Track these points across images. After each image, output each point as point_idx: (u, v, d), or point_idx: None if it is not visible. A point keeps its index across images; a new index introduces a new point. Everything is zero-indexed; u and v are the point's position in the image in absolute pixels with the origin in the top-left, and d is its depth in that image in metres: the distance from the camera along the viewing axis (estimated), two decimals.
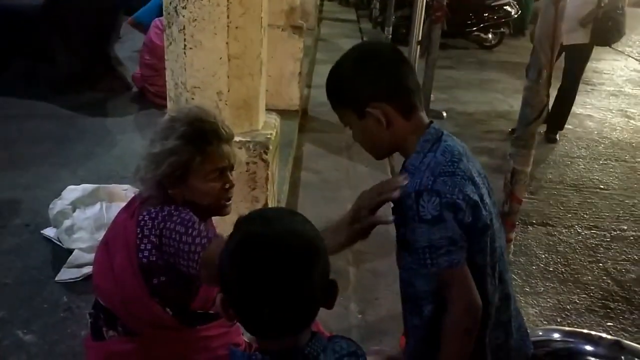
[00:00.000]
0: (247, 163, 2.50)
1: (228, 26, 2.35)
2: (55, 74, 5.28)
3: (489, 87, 7.56)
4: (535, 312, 2.92)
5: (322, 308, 1.05)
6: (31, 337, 2.30)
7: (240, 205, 2.47)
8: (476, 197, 1.22)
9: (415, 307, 1.32)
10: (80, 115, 4.79)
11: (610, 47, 5.68)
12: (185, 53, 2.38)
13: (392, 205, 1.30)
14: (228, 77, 2.42)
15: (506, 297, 1.38)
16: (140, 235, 1.67)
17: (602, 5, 4.84)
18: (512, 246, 2.74)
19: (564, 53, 4.91)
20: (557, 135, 5.49)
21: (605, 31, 4.98)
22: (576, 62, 5.15)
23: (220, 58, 2.38)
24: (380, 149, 1.33)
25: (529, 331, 1.55)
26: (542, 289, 3.11)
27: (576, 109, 5.92)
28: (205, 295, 1.81)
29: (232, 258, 1.00)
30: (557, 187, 4.48)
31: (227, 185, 1.71)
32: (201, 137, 1.66)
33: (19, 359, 2.18)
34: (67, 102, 4.96)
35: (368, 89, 1.26)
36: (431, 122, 1.31)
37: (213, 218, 1.89)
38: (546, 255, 3.45)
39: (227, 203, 1.75)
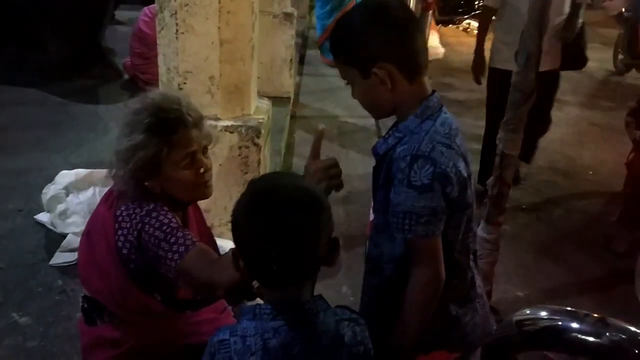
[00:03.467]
0: (240, 147, 2.52)
1: (220, 11, 2.37)
2: (46, 61, 5.24)
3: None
4: (525, 295, 2.97)
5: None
6: (26, 319, 2.32)
7: (232, 190, 2.50)
8: (466, 175, 1.25)
9: (376, 268, 1.36)
10: (71, 102, 4.77)
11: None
12: (177, 38, 2.39)
13: (373, 164, 1.33)
14: (220, 61, 2.43)
15: (472, 277, 1.42)
16: (119, 232, 1.67)
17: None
18: (501, 229, 2.78)
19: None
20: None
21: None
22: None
23: (212, 43, 2.40)
24: (380, 110, 1.33)
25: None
26: (532, 272, 3.16)
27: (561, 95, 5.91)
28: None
29: (245, 207, 1.09)
30: (547, 172, 4.52)
31: (202, 169, 1.69)
32: (166, 127, 1.63)
33: (15, 341, 2.21)
34: (58, 89, 4.94)
35: (376, 49, 1.23)
36: (434, 91, 1.31)
37: (201, 202, 1.90)
38: (536, 239, 3.50)
39: (207, 185, 1.73)
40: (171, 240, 1.58)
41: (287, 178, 1.19)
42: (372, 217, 1.40)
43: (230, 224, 1.14)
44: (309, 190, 1.10)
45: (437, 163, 1.19)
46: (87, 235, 1.82)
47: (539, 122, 4.02)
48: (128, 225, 1.64)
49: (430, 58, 1.50)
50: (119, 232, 1.66)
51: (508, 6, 3.54)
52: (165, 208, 1.67)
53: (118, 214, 1.67)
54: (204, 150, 1.71)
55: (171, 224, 1.62)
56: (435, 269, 1.25)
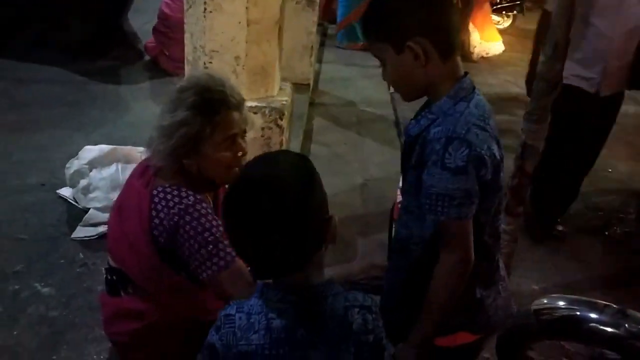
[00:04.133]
0: (262, 128, 2.54)
1: None
2: (69, 40, 5.28)
3: (499, 69, 7.52)
4: (540, 288, 2.96)
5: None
6: (49, 289, 2.36)
7: None
8: (499, 157, 1.25)
9: (404, 249, 1.36)
10: (93, 82, 4.81)
11: None
12: (205, 16, 2.40)
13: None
14: (246, 42, 2.44)
15: (498, 260, 1.43)
16: (153, 214, 1.68)
17: None
18: (519, 221, 2.77)
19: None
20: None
21: None
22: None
23: (240, 22, 2.40)
24: (412, 89, 1.31)
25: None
26: (548, 266, 3.15)
27: None
28: None
29: (229, 201, 1.07)
30: None
31: (240, 153, 1.71)
32: (209, 107, 1.65)
33: (37, 310, 2.25)
34: (80, 68, 4.97)
35: (412, 22, 1.22)
36: (466, 73, 1.30)
37: None
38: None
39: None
40: (212, 252, 1.60)
41: (273, 159, 1.13)
42: (399, 198, 1.40)
43: None
44: (297, 171, 1.08)
45: (472, 145, 1.18)
46: (119, 209, 1.84)
47: (584, 158, 3.32)
48: (165, 212, 1.65)
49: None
50: (154, 214, 1.67)
51: (578, 17, 2.89)
52: (205, 205, 1.68)
53: (155, 193, 1.69)
54: (243, 133, 1.73)
55: (212, 230, 1.63)
56: (464, 251, 1.25)
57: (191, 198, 1.66)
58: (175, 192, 1.68)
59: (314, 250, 1.08)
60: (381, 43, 1.27)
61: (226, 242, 1.68)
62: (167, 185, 1.69)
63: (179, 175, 1.72)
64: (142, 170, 1.82)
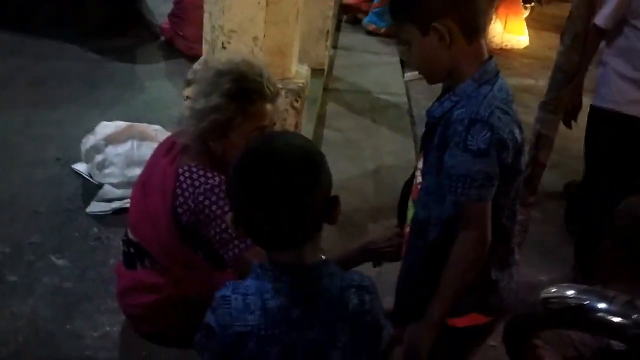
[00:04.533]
0: None
1: None
2: (85, 18, 5.30)
3: (514, 60, 7.47)
4: (548, 279, 2.97)
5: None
6: (63, 261, 2.40)
7: None
8: (520, 141, 1.27)
9: (422, 230, 1.37)
10: (109, 60, 4.82)
11: None
12: None
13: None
14: (265, 22, 2.44)
15: (514, 244, 1.45)
16: (177, 192, 1.70)
17: None
18: (531, 212, 2.78)
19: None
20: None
21: None
22: None
23: (259, 3, 2.41)
24: (436, 71, 1.32)
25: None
26: (558, 258, 3.15)
27: None
28: None
29: (237, 172, 1.07)
30: (579, 161, 4.47)
31: None
32: (245, 96, 1.64)
33: (52, 281, 2.29)
34: (96, 46, 4.98)
35: (438, 3, 1.24)
36: (491, 56, 1.31)
37: None
38: (563, 224, 3.47)
39: None
40: (234, 234, 1.62)
41: (278, 137, 1.15)
42: (419, 179, 1.42)
43: None
44: (306, 149, 1.08)
45: (495, 128, 1.20)
46: (142, 185, 1.86)
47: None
48: (190, 191, 1.67)
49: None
50: (178, 192, 1.69)
51: (633, 31, 2.56)
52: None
53: (180, 172, 1.70)
54: (272, 125, 1.72)
55: None
56: (482, 233, 1.27)
57: (217, 178, 1.67)
58: (202, 172, 1.69)
59: (318, 228, 1.09)
60: (407, 24, 1.29)
61: None
62: (192, 165, 1.71)
63: (204, 156, 1.74)
64: (169, 147, 1.83)
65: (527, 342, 2.06)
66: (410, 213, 1.46)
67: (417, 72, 1.45)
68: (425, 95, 4.81)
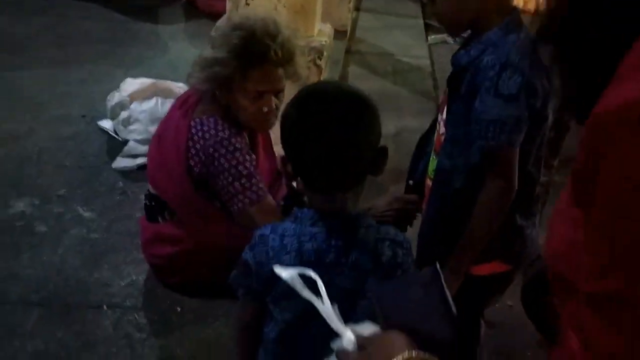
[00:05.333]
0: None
1: None
2: None
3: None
4: None
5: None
6: (90, 214, 2.46)
7: None
8: (549, 88, 1.27)
9: (447, 180, 1.38)
10: (132, 20, 4.84)
11: None
12: None
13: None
14: None
15: (537, 196, 1.44)
16: (189, 144, 1.73)
17: None
18: (552, 173, 2.75)
19: None
20: None
21: None
22: None
23: None
24: (461, 19, 1.33)
25: None
26: None
27: None
28: None
29: (293, 108, 1.08)
30: None
31: (265, 109, 1.70)
32: (248, 57, 1.65)
33: (79, 232, 2.36)
34: (120, 6, 5.00)
35: None
36: (516, 7, 1.31)
37: None
38: None
39: (266, 120, 1.75)
40: (245, 185, 1.65)
41: (338, 84, 1.17)
42: (442, 130, 1.42)
43: None
44: (360, 94, 1.09)
45: (525, 74, 1.21)
46: (159, 138, 1.89)
47: None
48: (201, 143, 1.69)
49: None
50: (190, 144, 1.72)
51: None
52: (240, 139, 1.71)
53: (192, 124, 1.73)
54: (277, 92, 1.71)
55: (246, 164, 1.67)
56: (509, 178, 1.28)
57: (227, 131, 1.69)
58: (212, 125, 1.71)
59: (364, 175, 1.10)
60: None
61: (259, 177, 1.72)
62: (204, 117, 1.73)
63: (217, 108, 1.76)
64: (183, 100, 1.86)
65: (545, 301, 2.08)
66: (432, 164, 1.46)
67: (440, 35, 1.44)
68: (449, 59, 4.74)
